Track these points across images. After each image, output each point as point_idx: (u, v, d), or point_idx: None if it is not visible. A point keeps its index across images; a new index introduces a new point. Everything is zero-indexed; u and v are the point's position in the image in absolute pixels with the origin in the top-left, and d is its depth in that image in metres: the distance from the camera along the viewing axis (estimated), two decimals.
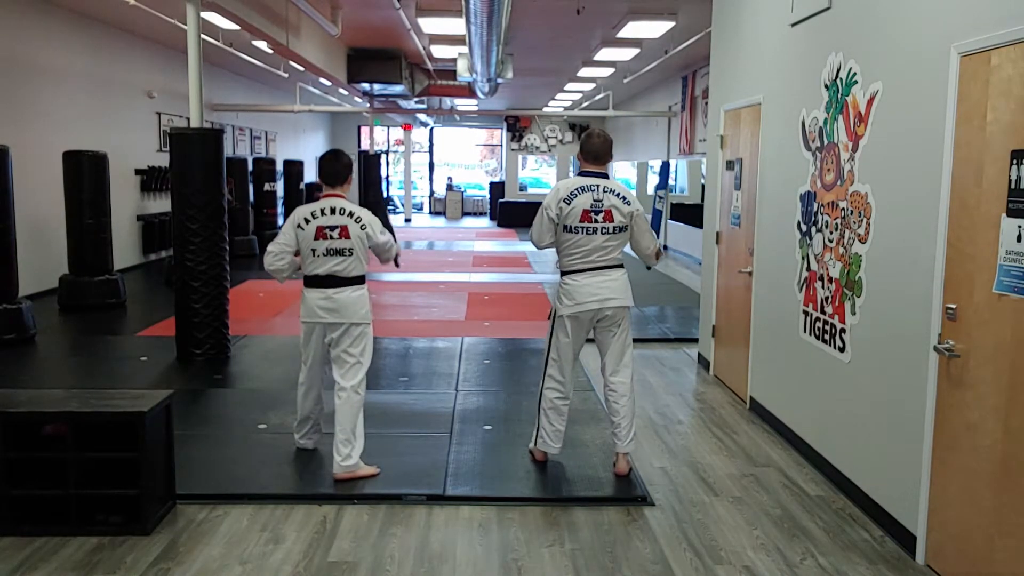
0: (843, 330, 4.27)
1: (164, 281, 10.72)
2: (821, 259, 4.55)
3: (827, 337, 4.46)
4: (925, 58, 3.52)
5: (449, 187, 26.43)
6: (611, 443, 4.50)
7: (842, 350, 4.28)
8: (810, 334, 4.69)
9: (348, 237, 4.20)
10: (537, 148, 25.74)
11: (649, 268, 4.83)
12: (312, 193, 16.54)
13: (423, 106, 21.00)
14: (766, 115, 5.46)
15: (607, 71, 14.62)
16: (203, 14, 7.96)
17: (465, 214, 26.63)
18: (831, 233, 4.42)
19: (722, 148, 6.45)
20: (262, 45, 11.72)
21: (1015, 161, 2.89)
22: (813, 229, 4.66)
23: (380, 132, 26.49)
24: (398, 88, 14.89)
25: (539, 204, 4.38)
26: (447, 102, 21.37)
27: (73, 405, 3.75)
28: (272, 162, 15.97)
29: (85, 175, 9.00)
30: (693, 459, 4.72)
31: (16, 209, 7.49)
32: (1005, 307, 2.96)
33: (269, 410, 5.38)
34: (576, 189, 4.21)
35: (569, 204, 4.19)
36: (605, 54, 12.61)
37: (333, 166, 4.34)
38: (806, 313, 4.75)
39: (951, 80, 3.30)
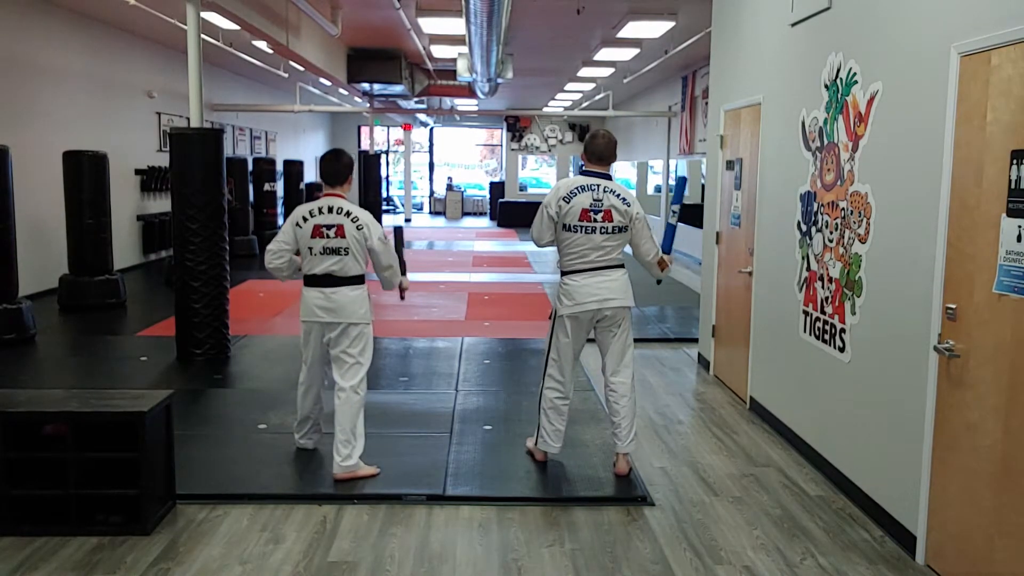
0: (843, 330, 4.27)
1: (164, 281, 10.72)
2: (821, 259, 4.55)
3: (827, 337, 4.46)
4: (925, 58, 3.52)
5: (449, 187, 26.41)
6: (611, 443, 4.50)
7: (842, 350, 4.28)
8: (810, 334, 4.69)
9: (344, 236, 4.19)
10: (537, 148, 25.73)
11: (659, 282, 4.67)
12: (312, 193, 16.55)
13: (423, 106, 20.99)
14: (766, 115, 5.46)
15: (607, 71, 14.61)
16: (203, 14, 7.96)
17: (465, 214, 26.62)
18: (831, 233, 4.42)
19: (722, 148, 6.45)
20: (262, 45, 11.72)
21: (1015, 161, 2.89)
22: (813, 229, 4.66)
23: (380, 132, 26.51)
24: (398, 88, 14.89)
25: (539, 204, 4.38)
26: (447, 102, 21.36)
27: (73, 405, 3.75)
28: (272, 162, 15.96)
29: (85, 175, 8.99)
30: (693, 459, 4.72)
31: (16, 209, 7.49)
32: (1005, 307, 2.96)
33: (269, 410, 5.38)
34: (576, 188, 4.22)
35: (568, 202, 4.19)
36: (605, 54, 12.60)
37: (333, 165, 4.34)
38: (806, 313, 4.75)
39: (951, 80, 3.30)
